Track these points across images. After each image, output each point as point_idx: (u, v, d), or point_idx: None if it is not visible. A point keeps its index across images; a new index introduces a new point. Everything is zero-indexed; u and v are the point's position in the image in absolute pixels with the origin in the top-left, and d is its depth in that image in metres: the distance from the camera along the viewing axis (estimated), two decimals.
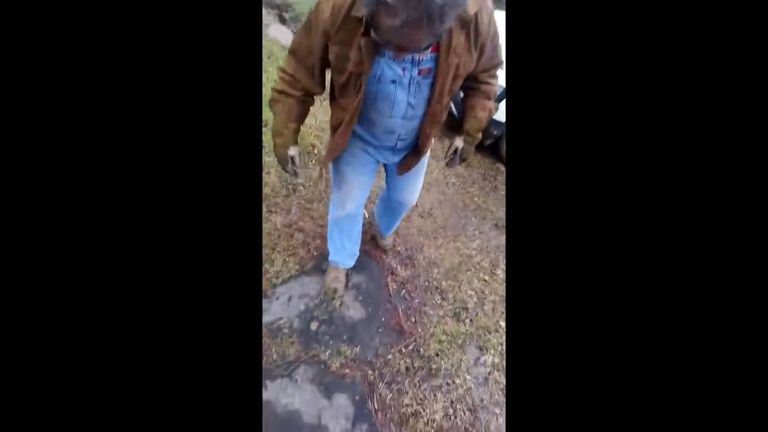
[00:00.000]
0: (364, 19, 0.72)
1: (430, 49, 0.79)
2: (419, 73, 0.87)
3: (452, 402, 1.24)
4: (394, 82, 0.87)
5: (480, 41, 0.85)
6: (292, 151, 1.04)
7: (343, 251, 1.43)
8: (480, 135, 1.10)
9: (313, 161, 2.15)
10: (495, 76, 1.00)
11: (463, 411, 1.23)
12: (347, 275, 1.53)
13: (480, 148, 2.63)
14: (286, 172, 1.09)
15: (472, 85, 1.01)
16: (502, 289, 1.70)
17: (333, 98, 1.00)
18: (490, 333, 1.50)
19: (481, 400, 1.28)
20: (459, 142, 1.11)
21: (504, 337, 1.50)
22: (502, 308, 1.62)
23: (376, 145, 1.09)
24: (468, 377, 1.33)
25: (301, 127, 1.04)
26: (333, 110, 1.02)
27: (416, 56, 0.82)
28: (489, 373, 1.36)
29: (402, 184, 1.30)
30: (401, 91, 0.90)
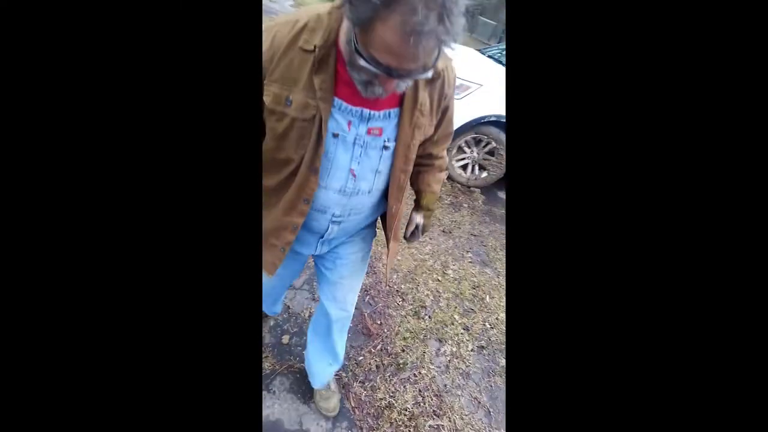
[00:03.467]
0: (318, 50, 0.60)
1: (391, 95, 0.64)
2: (368, 133, 0.68)
3: (420, 390, 1.39)
4: (335, 136, 0.67)
5: (443, 104, 0.74)
6: None
7: None
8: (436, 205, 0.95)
9: None
10: (446, 149, 0.89)
11: (431, 397, 1.38)
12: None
13: None
14: None
15: (426, 161, 0.87)
16: (453, 287, 1.90)
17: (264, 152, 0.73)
18: (446, 326, 1.67)
19: (445, 386, 1.44)
20: (419, 219, 0.95)
21: (459, 328, 1.69)
22: (455, 303, 1.81)
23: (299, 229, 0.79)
24: (431, 366, 1.48)
25: None
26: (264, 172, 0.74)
27: (366, 110, 0.66)
28: (449, 361, 1.53)
29: (337, 284, 0.98)
30: (343, 152, 0.69)
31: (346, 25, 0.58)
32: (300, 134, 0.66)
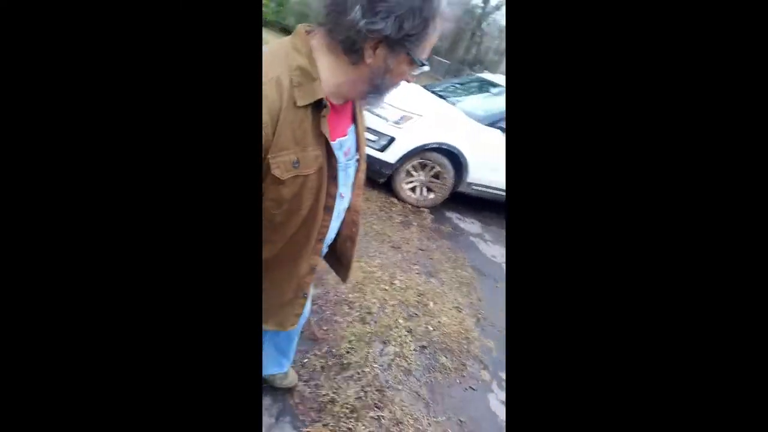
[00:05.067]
0: (326, 100, 0.61)
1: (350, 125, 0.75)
2: (345, 155, 0.74)
3: (363, 387, 1.48)
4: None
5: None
6: None
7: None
8: None
9: None
10: None
11: (373, 392, 1.47)
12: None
13: (376, 185, 3.10)
14: None
15: None
16: (399, 295, 2.05)
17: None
18: (391, 329, 1.80)
19: (387, 381, 1.54)
20: None
21: (403, 331, 1.81)
22: (400, 309, 1.95)
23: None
24: (375, 365, 1.59)
25: None
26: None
27: (340, 138, 0.71)
28: (392, 360, 1.64)
29: None
30: (340, 183, 0.73)
31: (327, 66, 0.62)
32: (312, 186, 0.66)
